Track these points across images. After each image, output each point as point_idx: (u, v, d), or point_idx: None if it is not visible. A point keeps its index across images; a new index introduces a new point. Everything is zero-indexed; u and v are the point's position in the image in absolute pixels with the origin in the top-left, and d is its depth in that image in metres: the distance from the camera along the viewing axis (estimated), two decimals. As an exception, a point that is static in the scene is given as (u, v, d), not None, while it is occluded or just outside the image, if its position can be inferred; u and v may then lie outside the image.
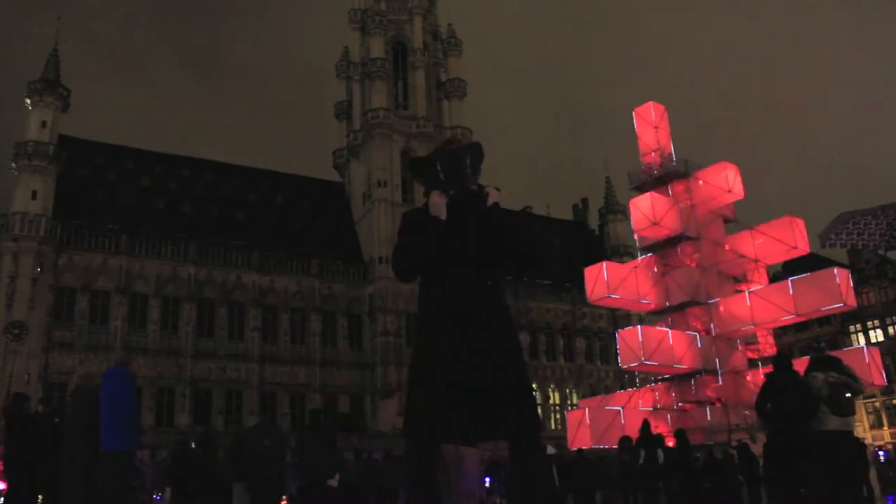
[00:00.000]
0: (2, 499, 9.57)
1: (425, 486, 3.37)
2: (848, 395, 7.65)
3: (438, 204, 3.51)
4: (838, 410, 7.59)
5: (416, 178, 3.95)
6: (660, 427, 26.99)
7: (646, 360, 26.83)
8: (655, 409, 28.82)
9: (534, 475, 3.39)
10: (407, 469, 3.43)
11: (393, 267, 3.67)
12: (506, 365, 3.39)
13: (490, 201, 3.64)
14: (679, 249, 30.42)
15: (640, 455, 13.25)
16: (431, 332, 3.45)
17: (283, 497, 12.68)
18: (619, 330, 31.07)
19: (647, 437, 13.69)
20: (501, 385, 3.33)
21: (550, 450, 17.17)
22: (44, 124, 44.27)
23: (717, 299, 29.13)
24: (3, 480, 9.53)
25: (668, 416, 28.64)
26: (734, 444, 18.39)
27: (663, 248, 30.85)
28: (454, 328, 3.38)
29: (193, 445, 12.85)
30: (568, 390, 54.45)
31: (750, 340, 29.50)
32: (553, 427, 50.82)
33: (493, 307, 3.51)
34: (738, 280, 29.79)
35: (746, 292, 28.67)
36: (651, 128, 32.46)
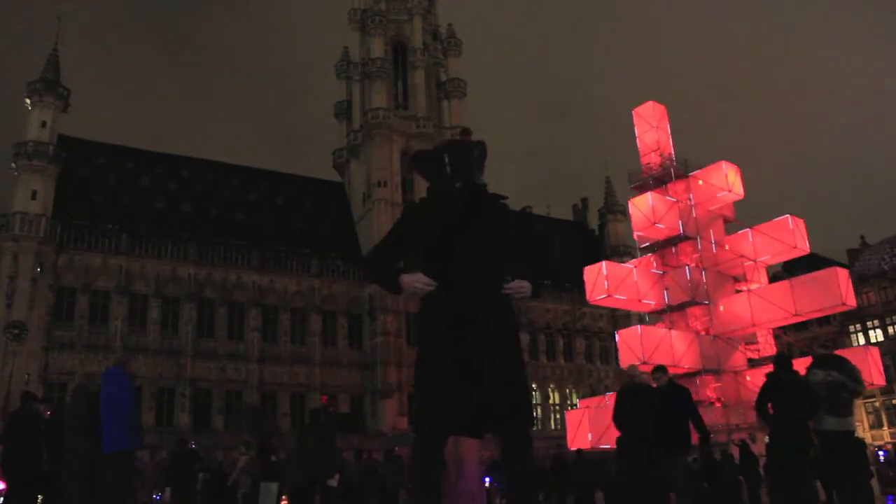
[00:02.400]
0: (1, 499, 9.55)
1: (429, 477, 3.40)
2: (845, 395, 7.65)
3: (413, 283, 3.44)
4: (834, 410, 7.60)
5: (419, 171, 3.86)
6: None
7: (646, 360, 26.83)
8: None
9: (528, 470, 3.46)
10: (413, 460, 3.47)
11: (364, 264, 3.75)
12: (504, 362, 3.44)
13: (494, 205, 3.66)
14: (679, 249, 30.43)
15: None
16: (434, 330, 3.47)
17: (283, 497, 12.70)
18: (619, 330, 31.08)
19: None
20: (498, 382, 3.37)
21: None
22: (44, 124, 44.26)
23: (717, 299, 29.14)
24: (3, 480, 9.48)
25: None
26: (738, 442, 18.40)
27: (663, 248, 30.86)
28: (456, 326, 3.40)
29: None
30: (568, 390, 54.44)
31: (750, 340, 29.50)
32: (553, 427, 50.80)
33: (495, 305, 3.52)
34: (738, 280, 29.79)
35: (746, 292, 28.68)
36: (651, 128, 32.48)
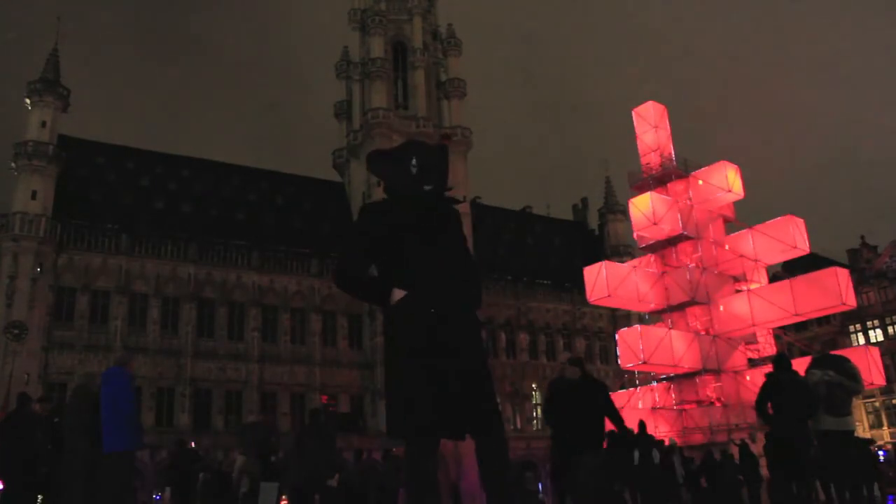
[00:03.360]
0: (-2, 500, 9.55)
1: (426, 480, 3.39)
2: (843, 394, 7.66)
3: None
4: (833, 410, 7.61)
5: (376, 171, 3.65)
6: (659, 427, 27.04)
7: (646, 360, 26.86)
8: (655, 409, 28.86)
9: (507, 469, 3.48)
10: (407, 465, 3.44)
11: (334, 274, 3.66)
12: (480, 364, 3.47)
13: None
14: (679, 249, 30.47)
15: (636, 456, 13.26)
16: (414, 335, 3.42)
17: (283, 496, 12.70)
18: (619, 330, 31.12)
19: (643, 438, 13.71)
20: (470, 383, 3.38)
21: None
22: (44, 124, 44.22)
23: (717, 299, 29.16)
24: (1, 481, 9.47)
25: (668, 415, 28.67)
26: (738, 442, 18.42)
27: (663, 248, 30.91)
28: (441, 329, 3.38)
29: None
30: (568, 390, 54.38)
31: (750, 340, 29.53)
32: (553, 427, 50.79)
33: (461, 307, 3.51)
34: (738, 280, 29.82)
35: (746, 292, 28.71)
36: (651, 128, 32.52)
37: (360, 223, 3.57)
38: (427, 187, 3.50)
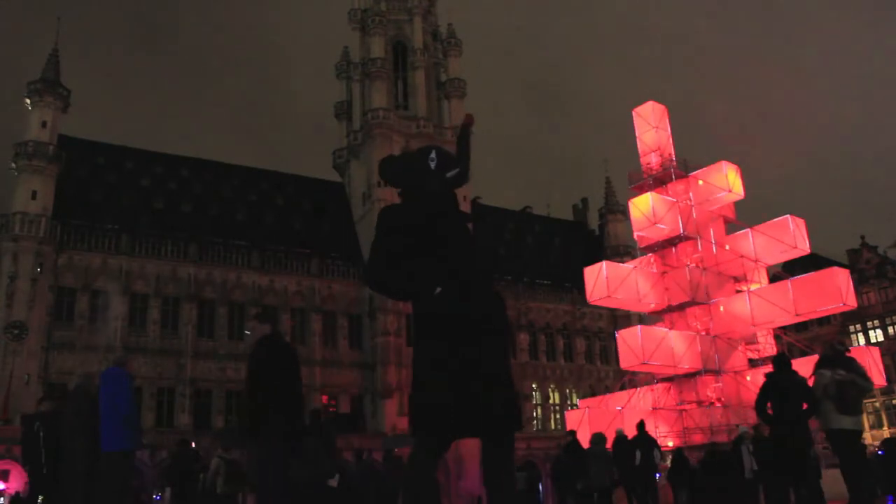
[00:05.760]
0: (2, 499, 9.51)
1: (428, 478, 3.39)
2: (854, 393, 7.61)
3: None
4: (844, 409, 7.54)
5: (392, 174, 3.74)
6: (659, 427, 27.04)
7: (646, 360, 26.85)
8: (655, 409, 28.86)
9: (512, 477, 3.56)
10: (412, 460, 3.44)
11: (366, 278, 3.74)
12: (502, 362, 3.47)
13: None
14: (679, 249, 30.46)
15: (637, 455, 13.27)
16: (430, 331, 3.45)
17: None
18: (619, 330, 31.11)
19: (644, 438, 13.72)
20: (491, 382, 3.36)
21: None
22: (44, 124, 44.21)
23: (717, 299, 29.14)
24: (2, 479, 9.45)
25: (669, 416, 28.67)
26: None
27: (663, 248, 30.90)
28: (451, 326, 3.37)
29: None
30: (568, 390, 54.43)
31: (750, 340, 29.52)
32: (553, 427, 50.81)
33: (489, 304, 3.51)
34: (738, 280, 29.81)
35: (746, 292, 28.69)
36: (651, 128, 32.51)
37: (379, 226, 3.67)
38: (450, 174, 3.63)
